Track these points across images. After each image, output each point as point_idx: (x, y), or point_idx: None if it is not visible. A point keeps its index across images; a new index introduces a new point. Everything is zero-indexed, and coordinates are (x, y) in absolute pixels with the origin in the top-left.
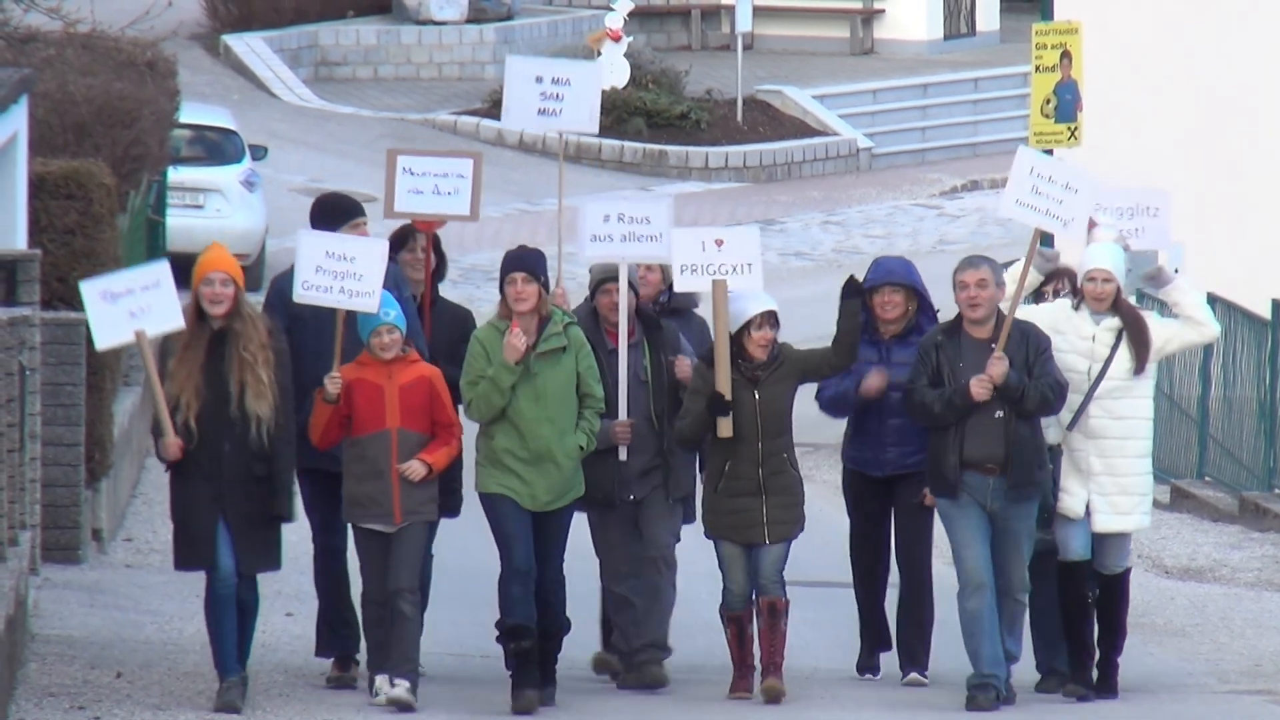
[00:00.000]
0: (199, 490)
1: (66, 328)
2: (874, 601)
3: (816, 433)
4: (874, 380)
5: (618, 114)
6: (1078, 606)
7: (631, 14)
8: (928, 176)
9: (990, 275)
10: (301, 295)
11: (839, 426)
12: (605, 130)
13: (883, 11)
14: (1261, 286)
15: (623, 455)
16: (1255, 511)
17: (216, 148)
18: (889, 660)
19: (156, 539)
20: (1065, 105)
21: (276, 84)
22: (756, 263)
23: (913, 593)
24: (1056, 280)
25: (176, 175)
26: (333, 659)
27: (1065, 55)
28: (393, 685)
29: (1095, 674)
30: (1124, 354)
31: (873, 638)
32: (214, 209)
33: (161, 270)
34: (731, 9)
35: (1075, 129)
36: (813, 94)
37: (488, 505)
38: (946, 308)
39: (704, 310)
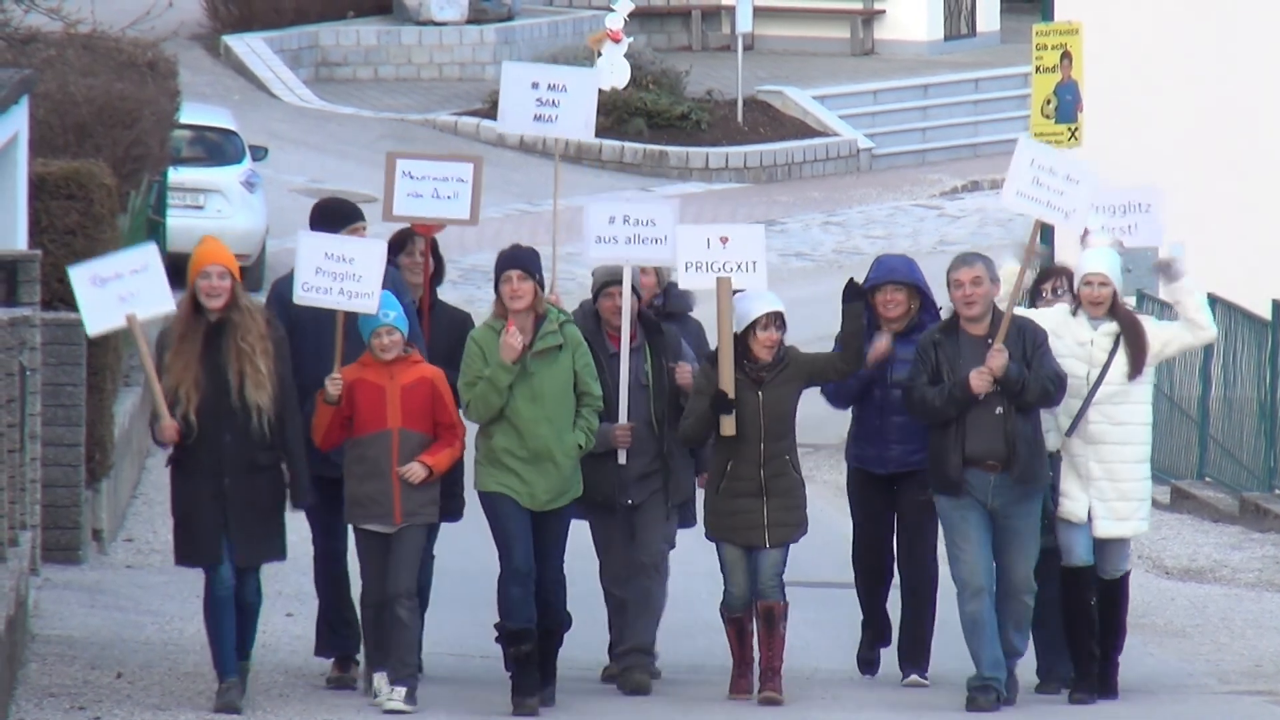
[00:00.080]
0: (201, 487)
1: (67, 328)
2: (876, 598)
3: (818, 433)
4: (880, 346)
5: (618, 114)
6: (1082, 613)
7: (632, 15)
8: (928, 177)
9: (985, 272)
10: (301, 297)
11: (841, 427)
12: (606, 131)
13: (883, 12)
14: (1261, 286)
15: (622, 459)
16: (1255, 512)
17: (217, 148)
18: (889, 660)
19: (157, 539)
20: (1066, 106)
21: (277, 84)
22: (761, 260)
23: (915, 592)
24: (1054, 279)
25: (177, 176)
26: (333, 659)
27: (1066, 56)
28: (391, 689)
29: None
30: (1121, 359)
31: (874, 633)
32: (214, 209)
33: (150, 253)
34: (732, 9)
35: (1076, 129)
36: (813, 94)
37: (487, 504)
38: (947, 308)
39: (701, 313)
